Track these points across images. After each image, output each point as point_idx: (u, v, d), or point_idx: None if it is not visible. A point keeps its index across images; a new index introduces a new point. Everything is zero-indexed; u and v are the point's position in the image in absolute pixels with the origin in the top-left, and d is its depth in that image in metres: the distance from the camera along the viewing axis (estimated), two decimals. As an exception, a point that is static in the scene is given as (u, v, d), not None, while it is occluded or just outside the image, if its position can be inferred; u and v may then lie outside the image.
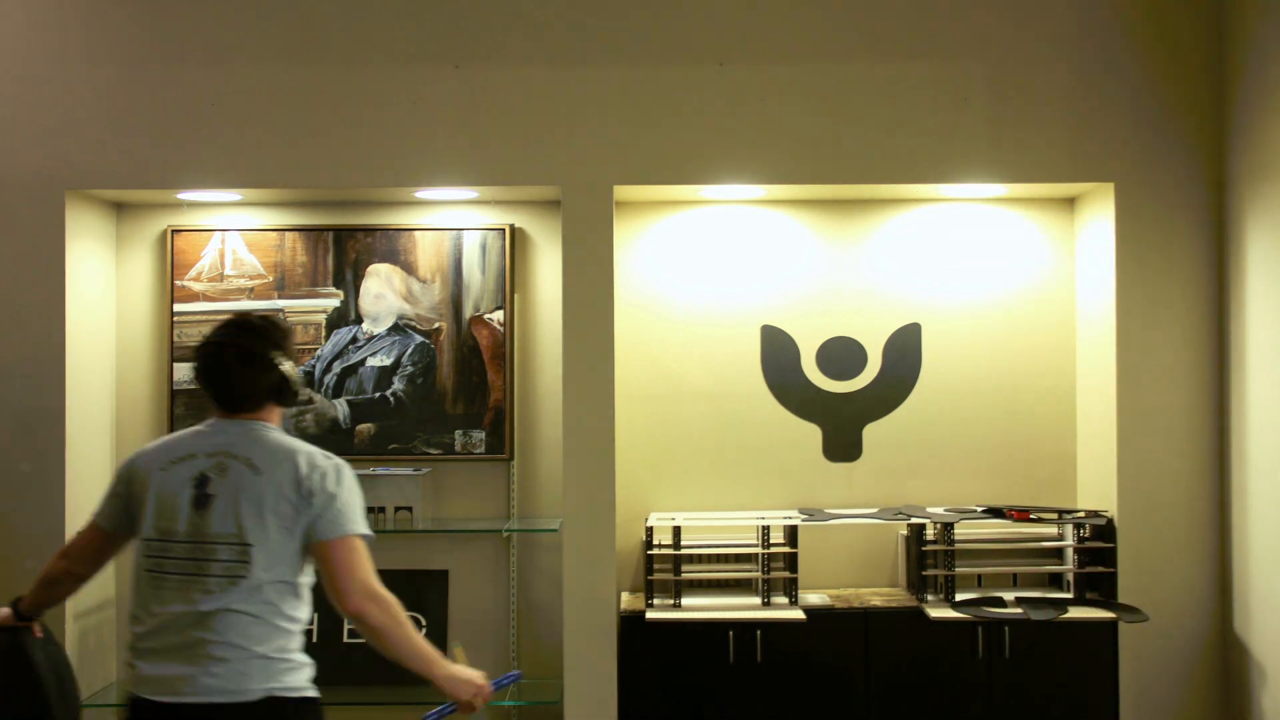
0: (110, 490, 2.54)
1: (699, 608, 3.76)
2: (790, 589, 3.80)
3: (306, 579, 2.44)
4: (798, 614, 3.70)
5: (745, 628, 3.71)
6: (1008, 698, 3.70)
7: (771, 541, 3.84)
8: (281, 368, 2.49)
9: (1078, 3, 3.78)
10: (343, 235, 4.03)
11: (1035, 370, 4.10)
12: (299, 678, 2.41)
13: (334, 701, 3.78)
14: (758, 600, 3.81)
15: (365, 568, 2.40)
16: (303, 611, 2.43)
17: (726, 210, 4.13)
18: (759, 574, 3.82)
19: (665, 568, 3.83)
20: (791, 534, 3.82)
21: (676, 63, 3.76)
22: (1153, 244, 3.77)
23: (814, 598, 3.87)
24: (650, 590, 3.80)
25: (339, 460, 2.46)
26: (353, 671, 3.95)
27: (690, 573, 3.86)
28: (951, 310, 4.10)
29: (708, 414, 4.10)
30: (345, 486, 2.42)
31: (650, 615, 3.70)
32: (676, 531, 3.81)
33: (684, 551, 3.83)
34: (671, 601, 3.79)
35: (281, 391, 2.51)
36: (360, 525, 2.42)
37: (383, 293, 4.02)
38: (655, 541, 3.83)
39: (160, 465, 2.44)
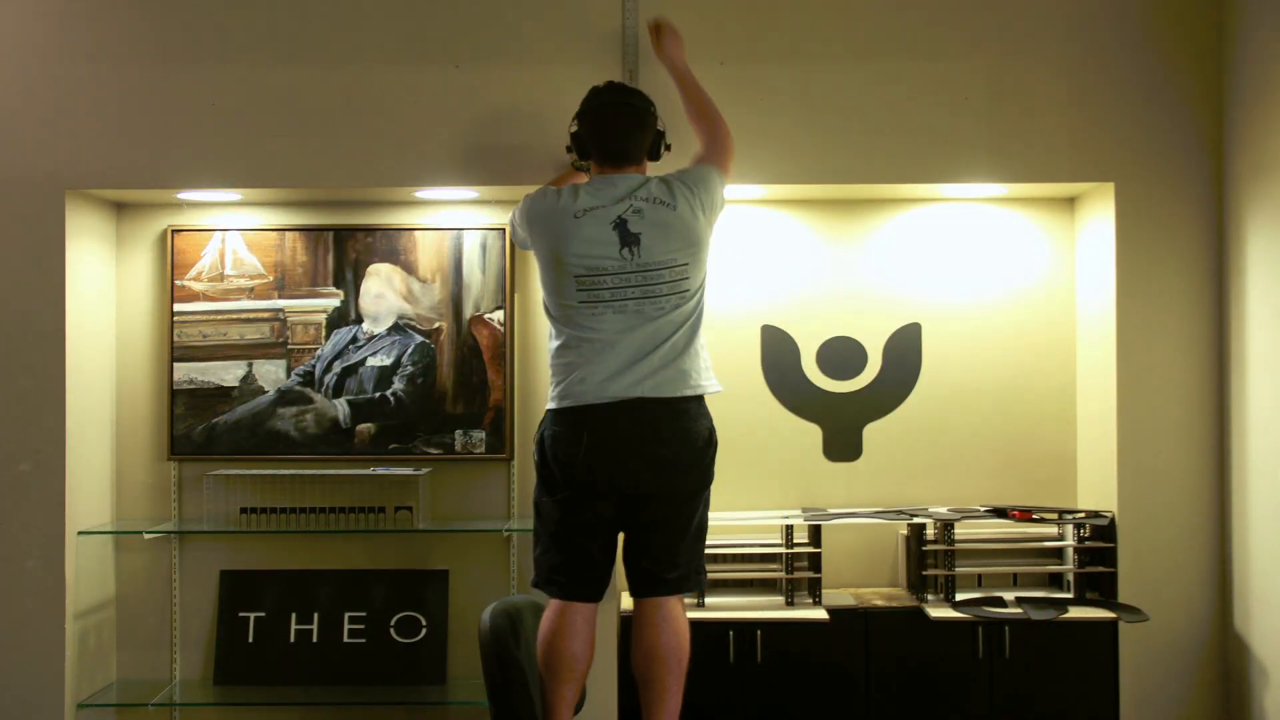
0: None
1: (723, 607, 3.76)
2: (814, 589, 3.80)
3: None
4: (820, 614, 3.70)
5: (745, 627, 3.71)
6: (1008, 698, 3.70)
7: (795, 541, 3.83)
8: (658, 126, 3.16)
9: (1078, 3, 3.78)
10: (343, 235, 4.03)
11: (1035, 370, 4.10)
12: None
13: (334, 701, 3.80)
14: (780, 599, 3.81)
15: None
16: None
17: (726, 210, 4.11)
18: (782, 574, 3.82)
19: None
20: (815, 534, 3.81)
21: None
22: (1153, 244, 3.77)
23: (838, 598, 3.86)
24: None
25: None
26: (353, 671, 3.96)
27: (713, 572, 3.86)
28: (951, 310, 4.10)
29: (708, 414, 4.10)
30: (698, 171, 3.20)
31: None
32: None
33: (706, 551, 3.82)
34: (695, 601, 3.79)
35: (655, 148, 3.20)
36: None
37: (383, 292, 4.02)
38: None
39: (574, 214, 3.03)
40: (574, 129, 3.22)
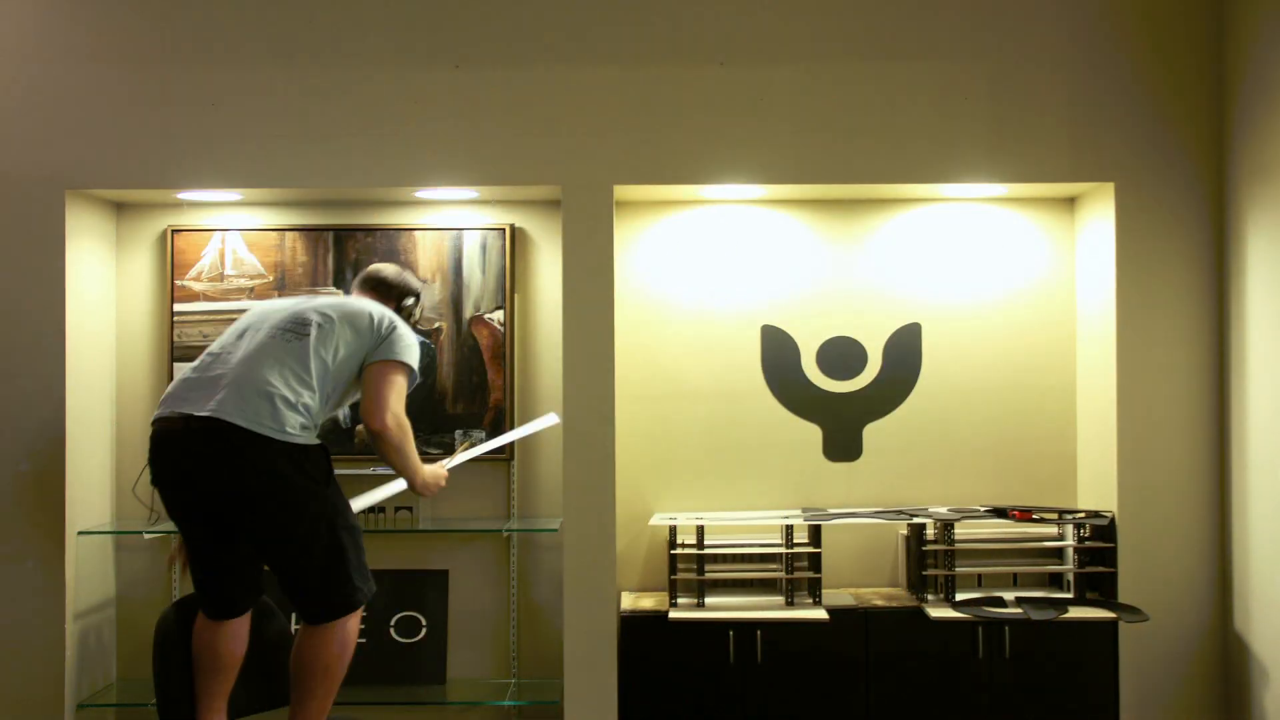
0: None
1: (723, 607, 3.76)
2: (814, 589, 3.80)
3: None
4: (821, 614, 3.70)
5: (745, 627, 3.71)
6: (1008, 698, 3.70)
7: (794, 541, 3.83)
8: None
9: (1078, 3, 3.78)
10: (343, 235, 4.03)
11: (1035, 370, 4.10)
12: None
13: (334, 701, 3.78)
14: (780, 599, 3.81)
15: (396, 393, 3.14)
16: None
17: (726, 210, 4.13)
18: (782, 574, 3.82)
19: (687, 567, 3.84)
20: (815, 534, 3.82)
21: (676, 63, 3.76)
22: (1153, 244, 3.77)
23: (838, 597, 3.87)
24: (674, 590, 3.80)
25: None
26: (353, 671, 3.94)
27: (713, 573, 3.86)
28: (951, 310, 4.10)
29: (708, 414, 4.10)
30: (400, 331, 3.18)
31: (674, 615, 3.70)
32: (700, 531, 3.81)
33: (707, 551, 3.83)
34: (695, 601, 3.79)
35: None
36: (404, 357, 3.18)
37: (383, 293, 4.01)
38: (679, 541, 3.84)
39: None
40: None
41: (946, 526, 3.81)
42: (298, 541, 2.92)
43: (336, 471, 4.06)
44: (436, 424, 3.99)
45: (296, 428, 2.92)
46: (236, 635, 3.04)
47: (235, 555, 3.00)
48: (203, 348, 4.03)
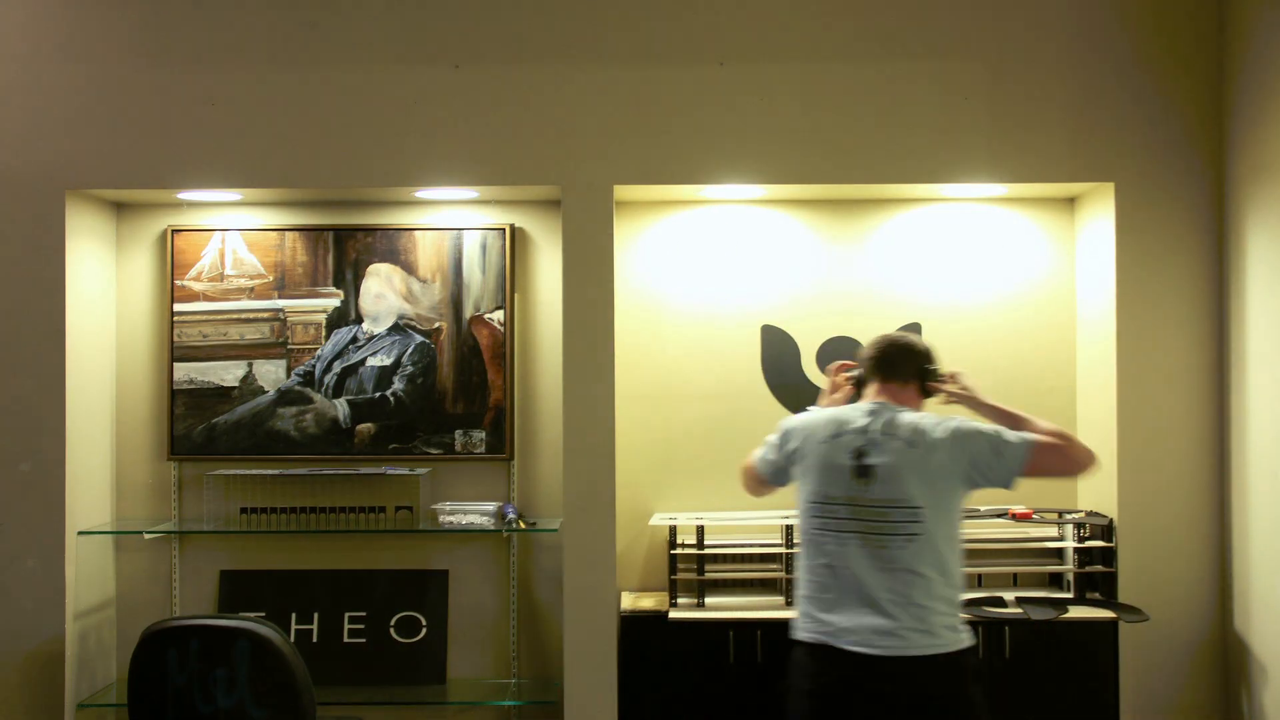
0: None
1: (723, 607, 3.76)
2: None
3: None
4: None
5: (745, 627, 3.70)
6: (1008, 698, 3.70)
7: (795, 541, 3.82)
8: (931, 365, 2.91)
9: (1078, 2, 3.78)
10: (343, 235, 4.03)
11: (1035, 370, 4.09)
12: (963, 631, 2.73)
13: (334, 701, 3.79)
14: (780, 599, 3.81)
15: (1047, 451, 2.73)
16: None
17: (726, 210, 4.13)
18: (782, 574, 3.82)
19: (688, 567, 3.84)
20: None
21: (676, 63, 3.75)
22: (1153, 244, 3.77)
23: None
24: (674, 590, 3.80)
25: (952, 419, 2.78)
26: (353, 671, 3.95)
27: (714, 572, 3.86)
28: (951, 310, 4.10)
29: (708, 414, 4.10)
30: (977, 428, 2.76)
31: (674, 615, 3.70)
32: (700, 531, 3.81)
33: (707, 551, 3.83)
34: (695, 601, 3.79)
35: (926, 377, 2.91)
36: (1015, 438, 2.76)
37: (383, 292, 4.02)
38: (679, 541, 3.84)
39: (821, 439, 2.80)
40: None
41: (946, 526, 3.81)
42: None
43: (337, 471, 4.09)
44: (436, 424, 3.99)
45: None
46: None
47: None
48: (203, 347, 4.04)
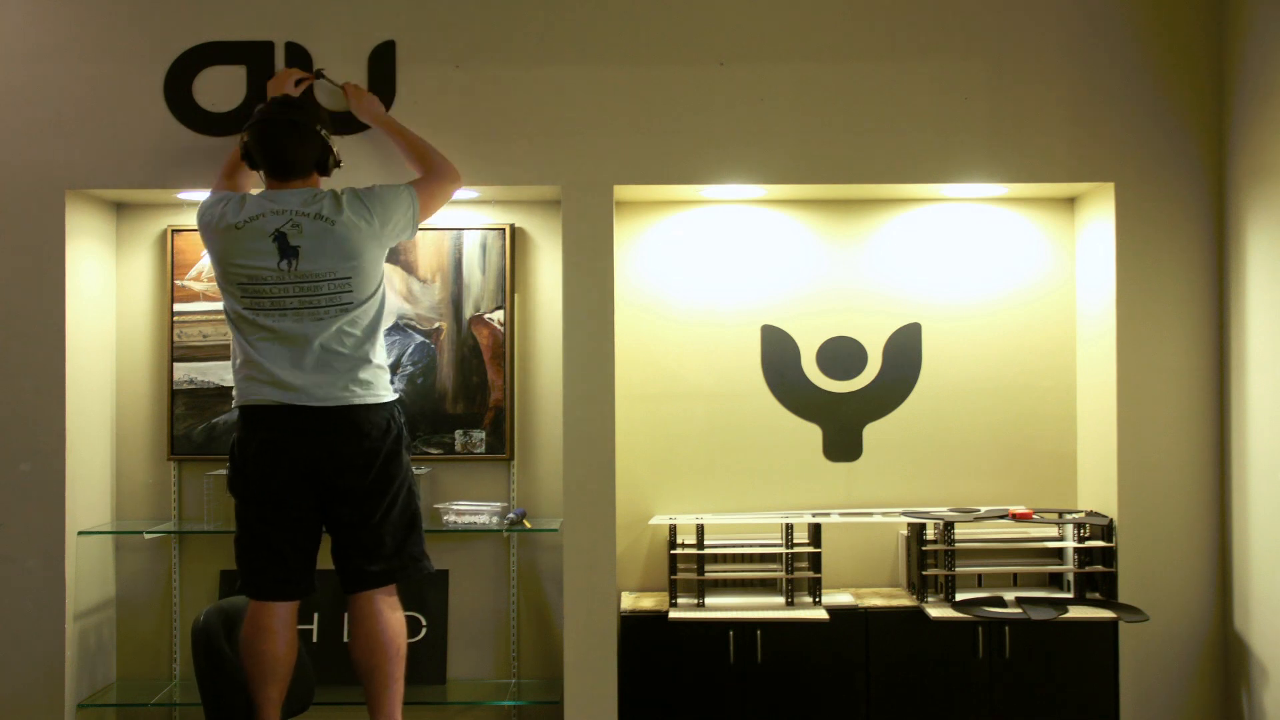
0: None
1: (723, 607, 3.76)
2: (814, 589, 3.80)
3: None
4: (821, 614, 3.70)
5: (745, 627, 3.71)
6: (1008, 698, 3.70)
7: (795, 541, 3.84)
8: (324, 138, 3.20)
9: (1078, 2, 3.78)
10: (343, 235, 4.02)
11: (1035, 370, 4.10)
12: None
13: (334, 701, 3.80)
14: (780, 600, 3.81)
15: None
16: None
17: (726, 210, 4.13)
18: (782, 573, 3.82)
19: (688, 567, 3.84)
20: (815, 533, 3.82)
21: (676, 63, 3.75)
22: (1153, 244, 3.77)
23: (838, 597, 3.86)
24: (674, 590, 3.80)
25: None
26: (353, 671, 3.95)
27: (713, 572, 3.86)
28: (951, 310, 4.10)
29: (708, 414, 4.11)
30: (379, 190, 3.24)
31: (674, 615, 3.71)
32: (700, 531, 3.82)
33: (707, 551, 3.83)
34: (695, 601, 3.80)
35: (323, 162, 3.23)
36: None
37: (383, 293, 4.02)
38: (679, 541, 3.84)
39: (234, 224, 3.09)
40: (243, 139, 3.22)
41: (946, 527, 3.81)
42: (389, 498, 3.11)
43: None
44: (436, 424, 3.99)
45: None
46: (290, 640, 3.08)
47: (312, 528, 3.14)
48: (202, 347, 4.04)
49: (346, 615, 3.43)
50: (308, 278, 3.05)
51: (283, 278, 3.05)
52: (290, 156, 3.15)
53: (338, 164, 3.30)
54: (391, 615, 3.13)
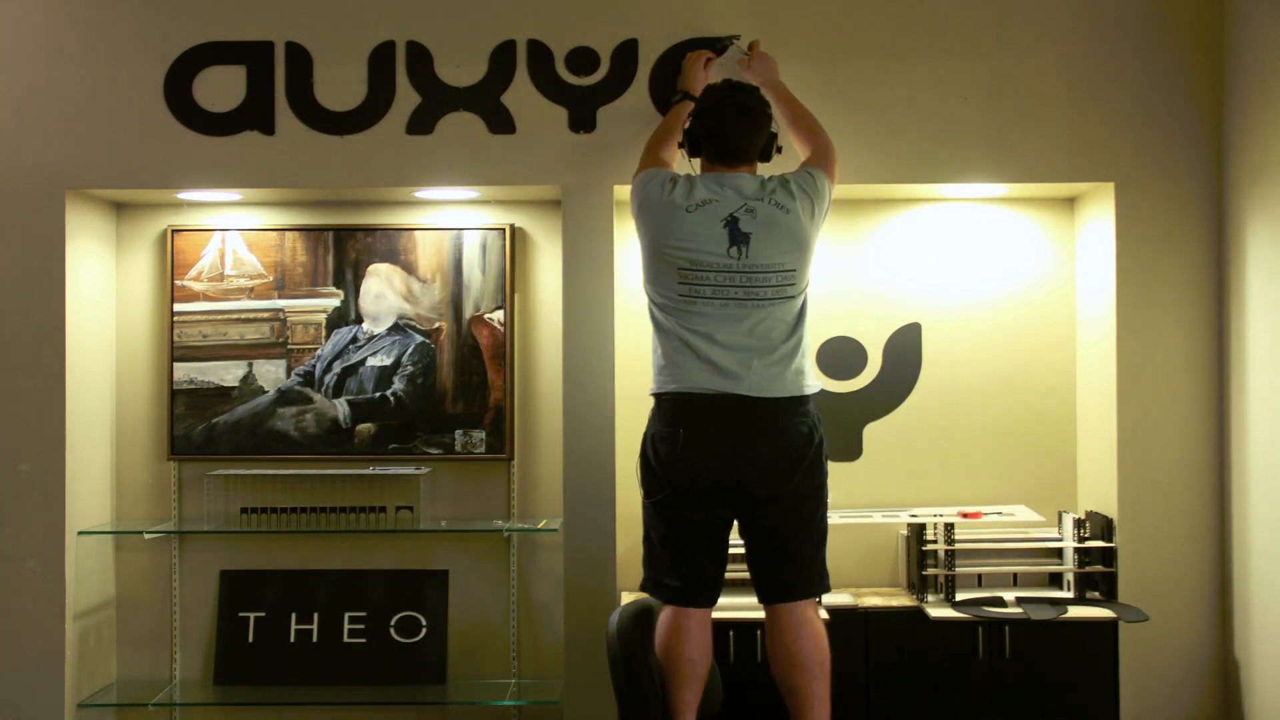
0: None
1: (723, 607, 3.73)
2: None
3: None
4: (820, 613, 3.68)
5: (745, 627, 3.70)
6: (1008, 698, 3.70)
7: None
8: (771, 128, 3.16)
9: (1078, 2, 3.77)
10: (343, 235, 4.03)
11: (1035, 370, 4.10)
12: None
13: (334, 701, 3.80)
14: None
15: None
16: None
17: (726, 210, 4.12)
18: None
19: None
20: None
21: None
22: (1153, 244, 3.77)
23: (838, 597, 3.86)
24: None
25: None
26: (353, 671, 3.96)
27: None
28: (951, 310, 4.10)
29: (708, 414, 4.10)
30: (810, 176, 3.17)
31: None
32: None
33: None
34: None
35: (767, 149, 3.21)
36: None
37: (383, 292, 4.02)
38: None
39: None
40: (687, 125, 3.18)
41: (947, 527, 3.81)
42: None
43: (337, 471, 4.09)
44: (436, 424, 4.00)
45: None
46: (705, 644, 3.06)
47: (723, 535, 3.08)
48: (202, 347, 4.04)
49: (764, 628, 3.25)
50: (755, 267, 2.96)
51: (730, 265, 2.95)
52: (743, 142, 3.08)
53: (779, 150, 3.24)
54: (810, 629, 3.02)
